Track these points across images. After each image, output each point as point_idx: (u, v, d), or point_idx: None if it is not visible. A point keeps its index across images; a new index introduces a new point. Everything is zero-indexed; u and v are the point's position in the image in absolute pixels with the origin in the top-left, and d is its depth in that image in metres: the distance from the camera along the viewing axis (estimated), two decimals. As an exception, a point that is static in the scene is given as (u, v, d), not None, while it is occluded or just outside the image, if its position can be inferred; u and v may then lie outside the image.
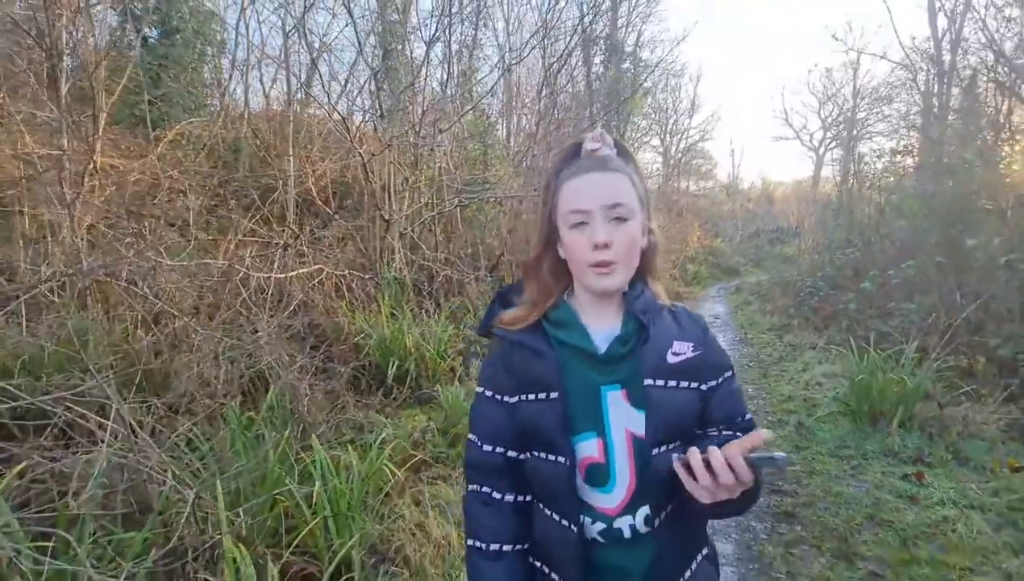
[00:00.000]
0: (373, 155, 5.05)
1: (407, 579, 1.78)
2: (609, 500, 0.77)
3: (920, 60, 11.65)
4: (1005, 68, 6.95)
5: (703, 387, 0.80)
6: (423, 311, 4.95)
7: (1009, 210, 4.05)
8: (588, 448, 0.77)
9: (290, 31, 5.49)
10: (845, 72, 19.02)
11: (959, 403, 3.17)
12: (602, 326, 0.79)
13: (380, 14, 7.49)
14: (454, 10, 6.96)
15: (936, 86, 10.75)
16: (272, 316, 3.07)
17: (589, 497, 0.78)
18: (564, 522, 0.77)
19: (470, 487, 0.85)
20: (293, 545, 1.67)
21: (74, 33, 4.45)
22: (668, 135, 20.51)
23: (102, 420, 1.69)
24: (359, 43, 6.13)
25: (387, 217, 5.35)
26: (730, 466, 0.63)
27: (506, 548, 0.81)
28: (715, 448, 0.65)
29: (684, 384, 0.78)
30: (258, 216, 4.57)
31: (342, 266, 4.89)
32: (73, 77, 3.87)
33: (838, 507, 2.39)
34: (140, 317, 2.69)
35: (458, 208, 6.56)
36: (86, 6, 4.55)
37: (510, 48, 10.03)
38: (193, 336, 2.48)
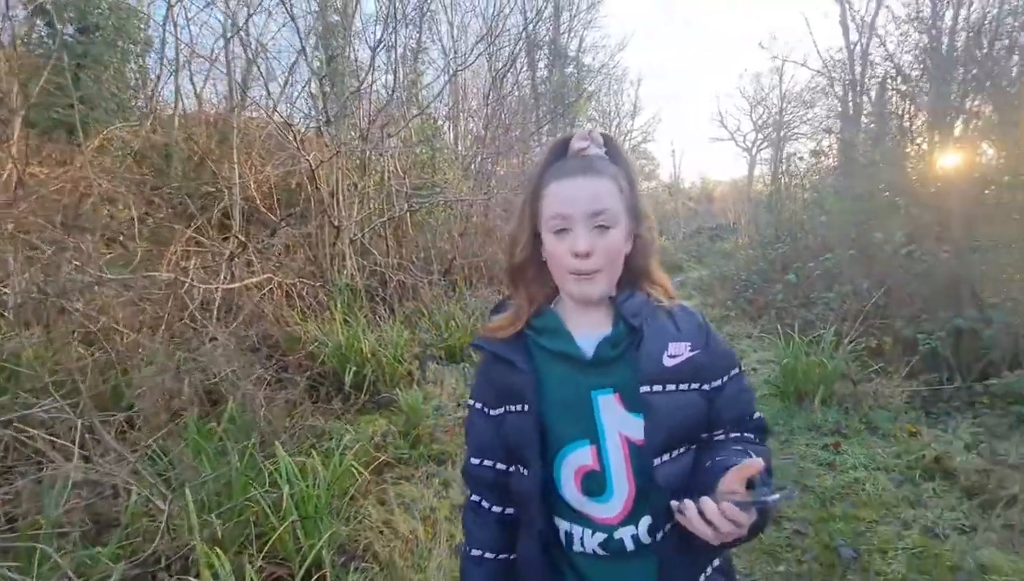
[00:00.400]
0: (322, 162, 5.01)
1: (377, 573, 1.85)
2: (608, 509, 0.75)
3: (835, 69, 12.73)
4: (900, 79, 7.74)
5: (706, 387, 0.77)
6: (377, 317, 4.96)
7: (902, 208, 4.55)
8: (581, 456, 0.75)
9: (231, 37, 5.33)
10: (772, 77, 20.35)
11: (870, 379, 3.57)
12: (590, 331, 0.76)
13: (320, 15, 7.36)
14: (399, 15, 6.98)
15: (850, 93, 11.78)
16: (225, 327, 3.02)
17: (587, 508, 0.76)
18: (531, 541, 0.77)
19: (469, 493, 0.87)
20: (264, 550, 1.70)
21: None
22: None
23: (55, 439, 1.65)
24: (301, 45, 6.04)
25: (337, 224, 5.32)
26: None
27: (488, 556, 0.83)
28: (707, 499, 0.63)
29: (684, 386, 0.75)
30: (196, 225, 4.43)
31: (292, 274, 4.82)
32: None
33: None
34: (83, 334, 2.60)
35: (408, 213, 6.58)
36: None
37: (455, 52, 10.13)
38: (142, 351, 2.42)
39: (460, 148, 9.67)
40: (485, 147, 8.68)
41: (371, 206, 6.19)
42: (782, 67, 18.84)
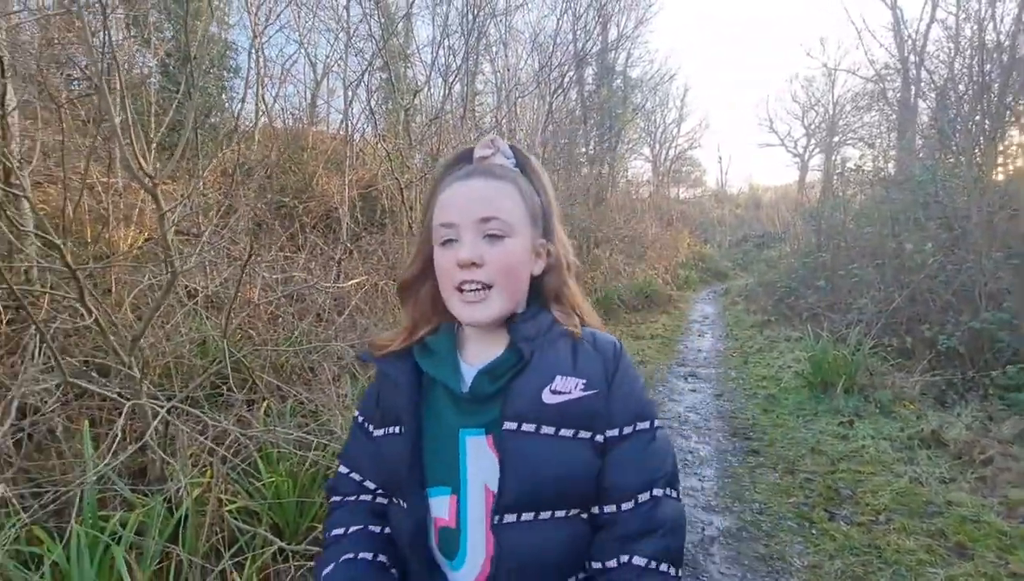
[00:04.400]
0: (412, 182, 5.92)
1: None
2: (460, 579, 0.64)
3: (887, 79, 12.76)
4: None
5: (599, 438, 0.64)
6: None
7: (932, 221, 4.96)
8: (439, 507, 0.65)
9: (330, 64, 6.29)
10: (825, 82, 20.08)
11: (889, 373, 4.05)
12: (479, 357, 0.67)
13: (383, 39, 8.17)
14: (470, 47, 7.89)
15: (903, 105, 11.80)
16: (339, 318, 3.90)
17: (444, 567, 0.65)
18: None
19: (331, 501, 0.76)
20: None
21: (117, 63, 5.25)
22: (657, 144, 21.55)
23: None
24: (391, 80, 7.02)
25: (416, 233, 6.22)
26: None
27: (363, 555, 0.68)
28: None
29: (567, 432, 0.62)
30: (310, 233, 5.41)
31: (382, 276, 5.74)
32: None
33: (791, 446, 3.25)
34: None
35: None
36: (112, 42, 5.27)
37: (508, 69, 10.99)
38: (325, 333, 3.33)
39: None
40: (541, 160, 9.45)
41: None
42: (834, 74, 18.72)
